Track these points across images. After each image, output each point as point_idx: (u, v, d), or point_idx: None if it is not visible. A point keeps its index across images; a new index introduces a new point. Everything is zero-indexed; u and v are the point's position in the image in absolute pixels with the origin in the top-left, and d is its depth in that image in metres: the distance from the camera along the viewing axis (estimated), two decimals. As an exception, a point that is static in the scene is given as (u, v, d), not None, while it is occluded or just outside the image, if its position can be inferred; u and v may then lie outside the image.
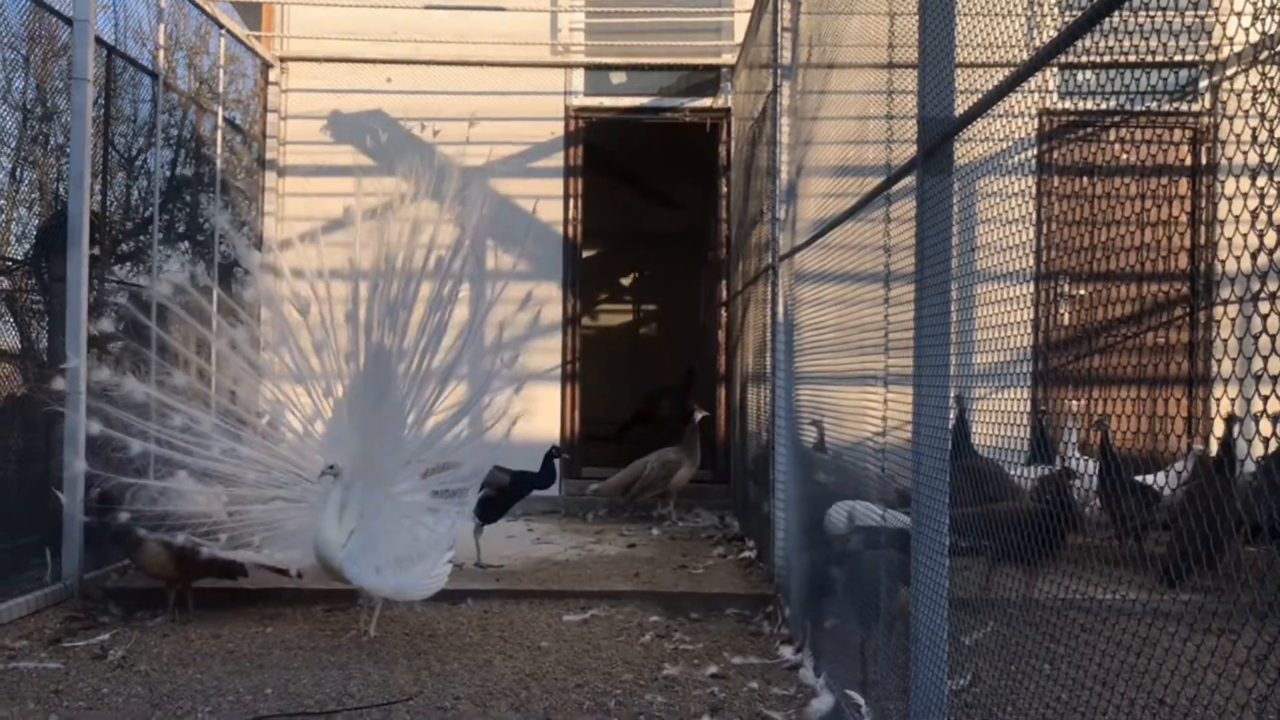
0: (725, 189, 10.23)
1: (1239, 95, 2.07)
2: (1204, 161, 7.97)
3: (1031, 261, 2.65)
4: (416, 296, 6.26)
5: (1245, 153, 1.91)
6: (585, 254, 10.75)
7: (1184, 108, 7.76)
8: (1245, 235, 1.82)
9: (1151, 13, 2.15)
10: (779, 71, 6.65)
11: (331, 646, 5.59)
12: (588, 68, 10.16)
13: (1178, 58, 2.12)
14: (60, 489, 6.20)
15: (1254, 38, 1.95)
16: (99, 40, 6.89)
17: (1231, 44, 2.12)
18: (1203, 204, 7.95)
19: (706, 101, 10.19)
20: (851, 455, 4.75)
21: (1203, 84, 7.34)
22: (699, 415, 9.29)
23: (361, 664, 5.28)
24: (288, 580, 6.34)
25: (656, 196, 14.01)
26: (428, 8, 9.85)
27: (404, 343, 6.20)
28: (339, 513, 5.75)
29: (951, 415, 3.17)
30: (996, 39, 2.83)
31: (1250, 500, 5.49)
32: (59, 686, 4.90)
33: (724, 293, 10.35)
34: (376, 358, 6.12)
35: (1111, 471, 5.56)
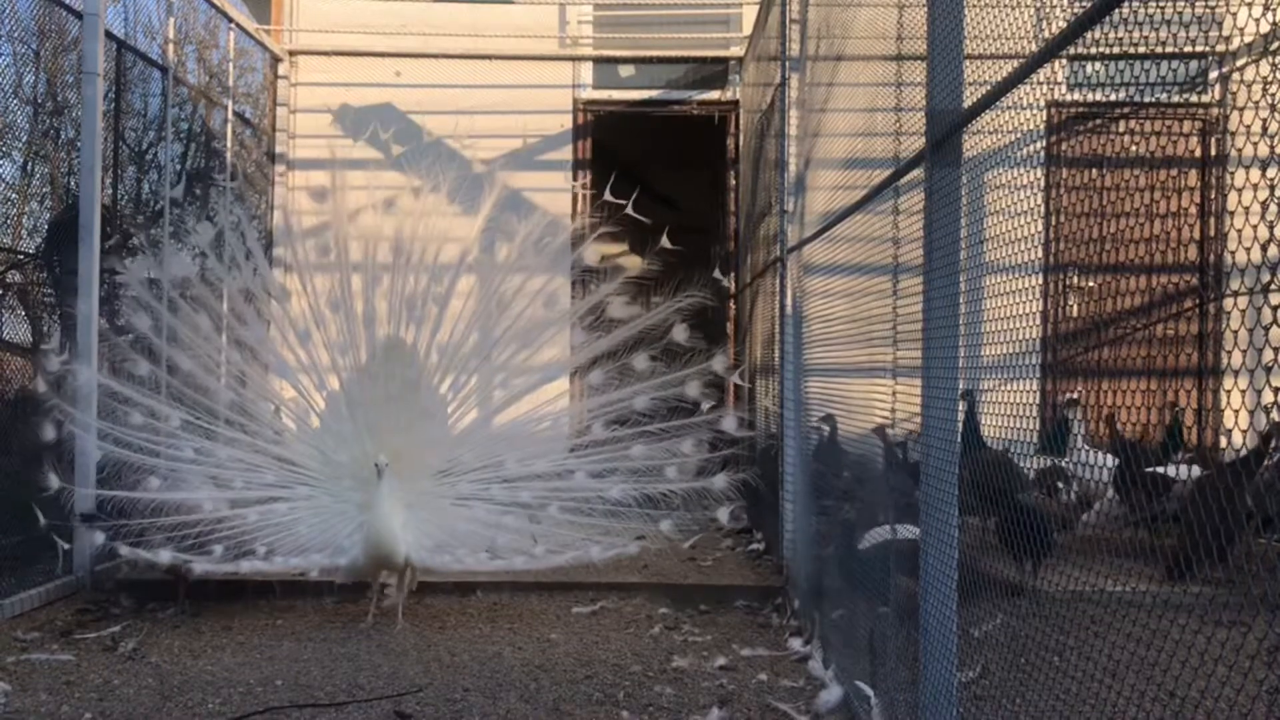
0: (733, 182, 10.21)
1: (1249, 86, 2.07)
2: (1214, 153, 7.94)
3: (1040, 253, 2.65)
4: (452, 291, 6.26)
5: (1255, 144, 1.90)
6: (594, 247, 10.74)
7: (1194, 99, 7.73)
8: (1255, 226, 1.82)
9: (1161, 3, 2.14)
10: (787, 64, 6.64)
11: (342, 638, 5.61)
12: (596, 61, 10.16)
13: (1187, 49, 2.12)
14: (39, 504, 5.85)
15: (1264, 28, 1.95)
16: (109, 34, 6.91)
17: (1242, 34, 2.11)
18: (1212, 195, 7.93)
19: (714, 94, 10.18)
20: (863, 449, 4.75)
21: (1213, 75, 7.31)
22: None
23: (372, 656, 5.30)
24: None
25: (660, 199, 13.98)
26: (437, 1, 9.85)
27: (438, 337, 6.19)
28: (392, 506, 5.70)
29: (961, 410, 3.17)
30: (1005, 30, 2.83)
31: (1261, 493, 5.47)
32: (70, 678, 4.93)
33: (733, 285, 10.34)
34: (392, 352, 6.12)
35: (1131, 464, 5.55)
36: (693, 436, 6.18)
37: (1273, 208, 1.79)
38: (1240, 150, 1.96)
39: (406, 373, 6.15)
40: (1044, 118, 2.74)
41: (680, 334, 6.28)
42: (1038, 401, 2.81)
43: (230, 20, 8.89)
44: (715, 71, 10.17)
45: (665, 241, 6.35)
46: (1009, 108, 2.73)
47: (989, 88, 2.75)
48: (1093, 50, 2.37)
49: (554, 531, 6.07)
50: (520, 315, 6.36)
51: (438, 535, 5.94)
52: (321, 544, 5.90)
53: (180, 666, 5.11)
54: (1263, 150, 1.87)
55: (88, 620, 5.89)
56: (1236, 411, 2.07)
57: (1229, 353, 1.89)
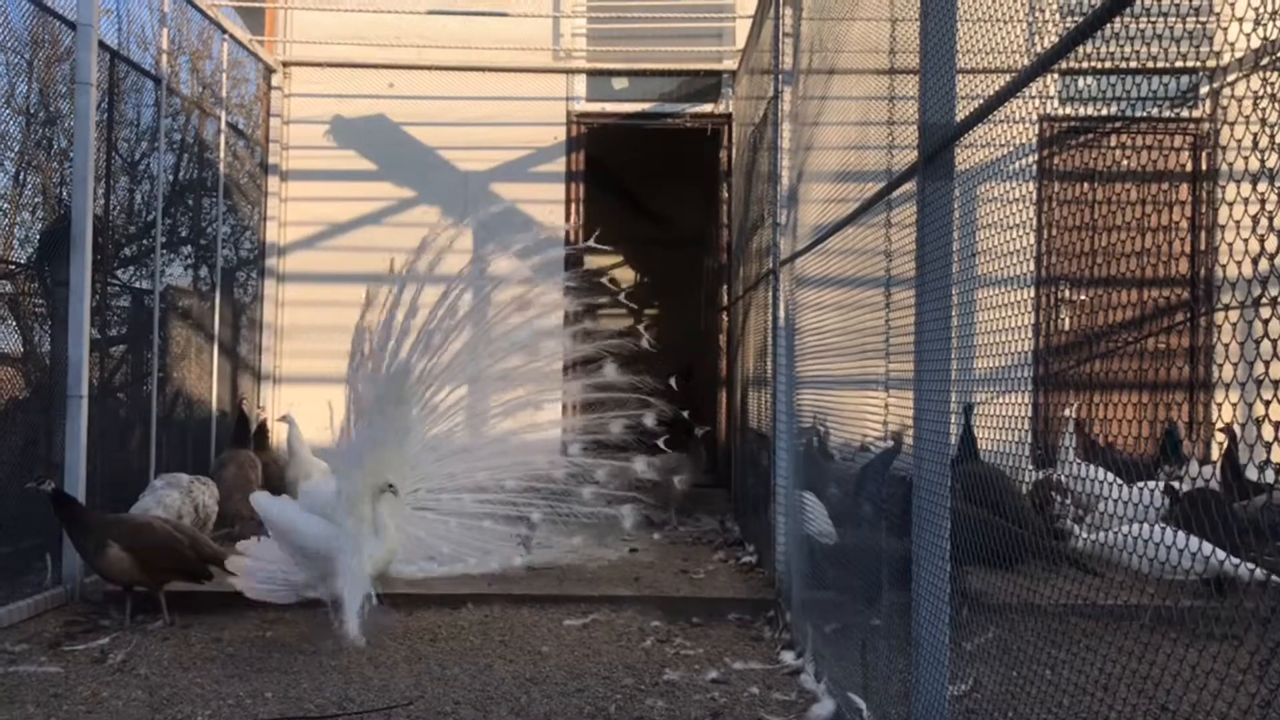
0: (726, 194, 10.23)
1: (1240, 101, 2.08)
2: (1205, 167, 7.98)
3: (1032, 267, 2.66)
4: (417, 303, 6.26)
5: (1246, 158, 1.91)
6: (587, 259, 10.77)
7: (1185, 113, 7.77)
8: (1246, 240, 1.83)
9: (1153, 18, 2.15)
10: (780, 77, 6.66)
11: (332, 650, 5.58)
12: (590, 73, 10.18)
13: (1179, 63, 2.13)
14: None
15: (1255, 43, 1.96)
16: (102, 44, 6.91)
17: (1233, 49, 2.12)
18: (1203, 209, 7.96)
19: (708, 107, 10.20)
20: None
21: (1203, 89, 7.35)
22: (699, 431, 9.31)
23: (362, 668, 5.27)
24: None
25: (651, 215, 13.98)
26: (430, 13, 9.88)
27: (421, 352, 6.18)
28: (378, 527, 5.78)
29: (956, 423, 3.17)
30: (998, 45, 2.84)
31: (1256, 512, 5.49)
32: (59, 690, 4.90)
33: (725, 297, 10.36)
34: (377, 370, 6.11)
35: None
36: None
37: (1263, 221, 1.80)
38: (1231, 165, 1.97)
39: (388, 390, 6.13)
40: (1036, 131, 2.75)
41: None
42: (1030, 414, 2.81)
43: (224, 31, 8.90)
44: (708, 84, 10.21)
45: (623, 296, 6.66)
46: (1001, 121, 2.74)
47: (981, 101, 2.76)
48: (1084, 65, 2.38)
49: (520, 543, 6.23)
50: (507, 327, 6.38)
51: (408, 546, 6.06)
52: (329, 573, 5.84)
53: (169, 679, 5.08)
54: (1253, 165, 1.88)
55: (76, 632, 5.86)
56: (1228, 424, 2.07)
57: (1220, 366, 1.89)
